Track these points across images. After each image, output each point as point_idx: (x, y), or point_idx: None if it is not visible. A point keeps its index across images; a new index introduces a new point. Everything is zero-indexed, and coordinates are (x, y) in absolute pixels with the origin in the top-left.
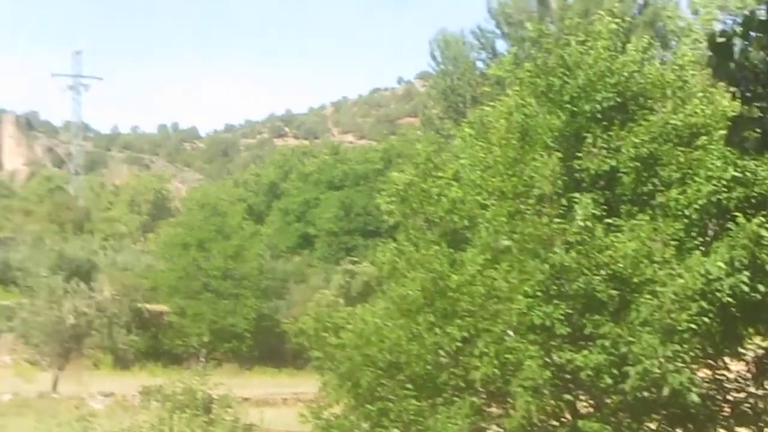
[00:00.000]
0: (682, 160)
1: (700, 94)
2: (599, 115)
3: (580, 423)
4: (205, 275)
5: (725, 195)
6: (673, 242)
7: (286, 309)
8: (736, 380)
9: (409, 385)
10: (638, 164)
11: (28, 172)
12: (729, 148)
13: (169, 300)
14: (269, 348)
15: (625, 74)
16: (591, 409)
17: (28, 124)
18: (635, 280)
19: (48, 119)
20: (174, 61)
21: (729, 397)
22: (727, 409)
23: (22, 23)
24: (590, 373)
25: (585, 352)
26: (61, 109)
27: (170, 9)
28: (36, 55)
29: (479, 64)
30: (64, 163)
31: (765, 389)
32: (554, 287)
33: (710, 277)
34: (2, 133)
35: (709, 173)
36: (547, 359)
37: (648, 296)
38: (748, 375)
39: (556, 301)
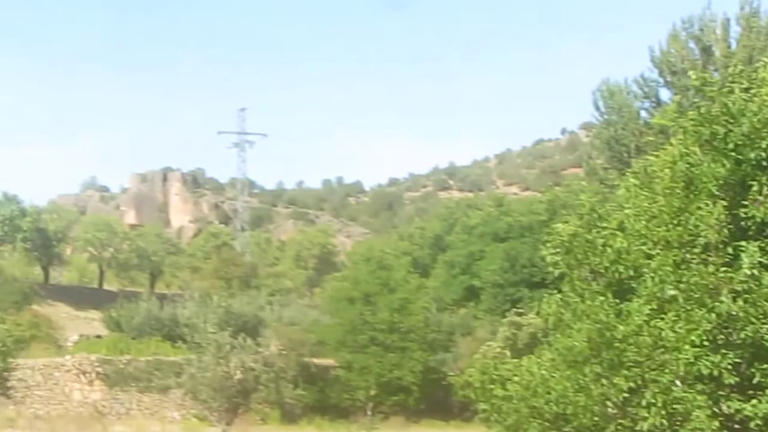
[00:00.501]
0: None
1: None
2: (764, 163)
3: None
4: (371, 329)
5: None
6: None
7: (452, 361)
8: None
9: None
10: None
11: (194, 229)
12: None
13: (336, 354)
14: (436, 401)
15: None
16: None
17: (195, 182)
18: None
19: (214, 176)
20: (338, 117)
21: None
22: None
23: (188, 82)
24: (759, 422)
25: (754, 401)
26: (227, 166)
27: (335, 67)
28: (202, 113)
29: (643, 114)
30: (230, 220)
31: None
32: (722, 336)
33: None
34: (169, 190)
35: None
36: (716, 409)
37: None
38: None
39: (723, 351)
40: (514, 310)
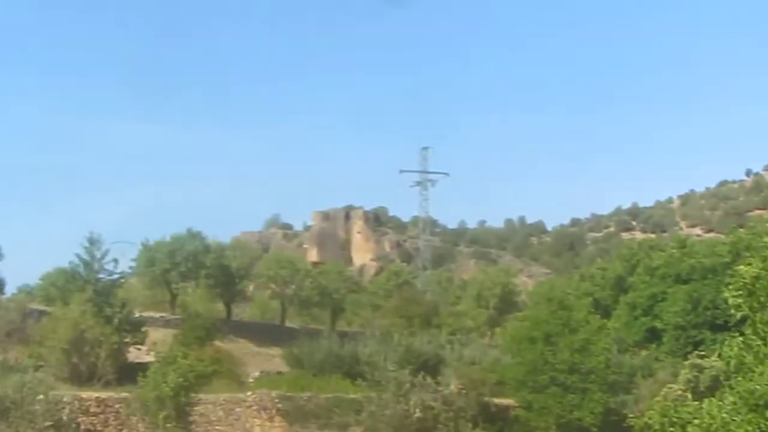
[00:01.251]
0: None
1: None
2: None
3: None
4: (552, 369)
5: None
6: None
7: (633, 403)
8: None
9: None
10: None
11: (376, 267)
12: None
13: (516, 394)
14: None
15: None
16: None
17: (377, 220)
18: None
19: (396, 214)
20: (521, 156)
21: None
22: None
23: (371, 120)
24: None
25: None
26: (409, 205)
27: (518, 106)
28: (385, 151)
29: None
30: (411, 258)
31: None
32: None
33: None
34: (352, 228)
35: None
36: None
37: None
38: None
39: None
40: (696, 352)
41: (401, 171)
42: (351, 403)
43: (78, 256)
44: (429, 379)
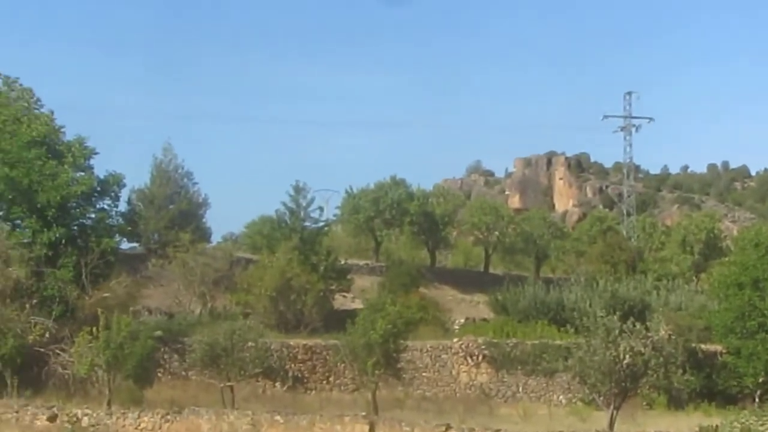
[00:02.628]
0: None
1: None
2: None
3: None
4: (760, 315)
5: None
6: None
7: None
8: None
9: None
10: None
11: (578, 213)
12: None
13: (723, 340)
14: None
15: None
16: None
17: (579, 166)
18: None
19: (598, 160)
20: (725, 100)
21: None
22: None
23: (570, 65)
24: None
25: None
26: (611, 150)
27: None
28: (587, 97)
29: None
30: (614, 204)
31: None
32: None
33: None
34: (554, 174)
35: None
36: None
37: None
38: None
39: None
40: None
41: (605, 116)
42: (557, 349)
43: (284, 204)
44: (638, 326)
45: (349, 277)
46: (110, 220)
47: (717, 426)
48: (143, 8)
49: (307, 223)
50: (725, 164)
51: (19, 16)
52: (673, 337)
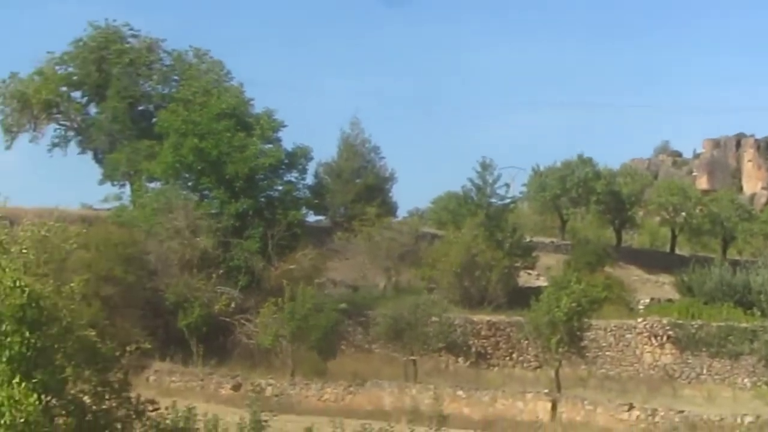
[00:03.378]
0: None
1: None
2: None
3: None
4: None
5: None
6: None
7: None
8: None
9: None
10: None
11: (767, 196)
12: None
13: None
14: None
15: None
16: None
17: None
18: None
19: None
20: None
21: None
22: None
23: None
24: None
25: None
26: None
27: None
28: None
29: None
30: None
31: None
32: None
33: None
34: (743, 156)
35: None
36: None
37: None
38: None
39: None
40: None
41: None
42: (743, 332)
43: (470, 180)
44: None
45: (534, 254)
46: (297, 192)
47: None
48: None
49: (493, 200)
50: None
51: None
52: None
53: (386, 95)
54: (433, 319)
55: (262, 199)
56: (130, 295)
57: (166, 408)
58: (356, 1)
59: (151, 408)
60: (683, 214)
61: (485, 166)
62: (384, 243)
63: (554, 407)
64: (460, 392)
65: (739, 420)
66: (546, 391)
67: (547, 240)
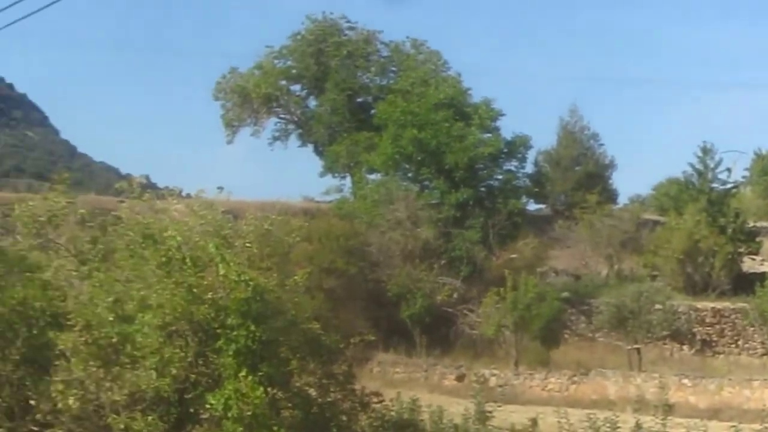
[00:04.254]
0: None
1: None
2: None
3: None
4: None
5: None
6: None
7: None
8: None
9: None
10: None
11: None
12: None
13: None
14: None
15: None
16: None
17: None
18: None
19: None
20: None
21: None
22: None
23: None
24: None
25: None
26: None
27: None
28: None
29: None
30: None
31: None
32: None
33: None
34: None
35: None
36: None
37: None
38: None
39: None
40: None
41: None
42: None
43: (691, 165)
44: None
45: (758, 239)
46: (517, 181)
47: None
48: None
49: (714, 185)
50: None
51: None
52: None
53: (603, 80)
54: (657, 306)
55: (482, 189)
56: (353, 287)
57: (391, 400)
58: None
59: (375, 400)
60: None
61: (706, 151)
62: (605, 230)
63: None
64: (685, 381)
65: None
66: None
67: None
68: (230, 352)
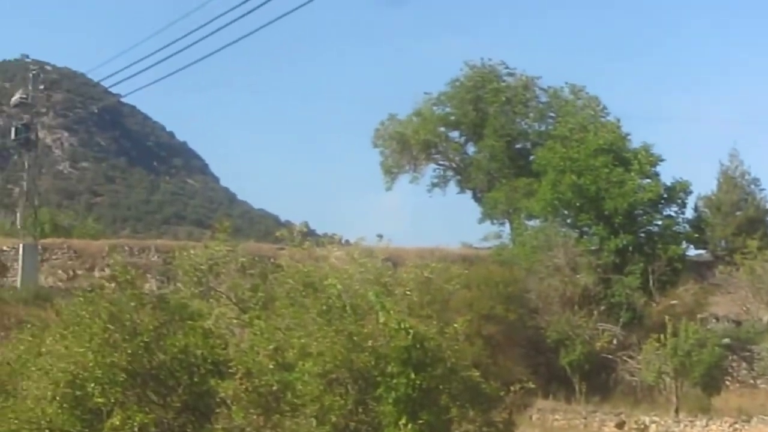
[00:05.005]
0: None
1: None
2: None
3: None
4: None
5: None
6: None
7: None
8: None
9: None
10: None
11: None
12: None
13: None
14: None
15: None
16: None
17: None
18: None
19: None
20: None
21: None
22: None
23: None
24: None
25: None
26: None
27: None
28: None
29: None
30: None
31: None
32: None
33: None
34: None
35: None
36: None
37: None
38: None
39: None
40: None
41: None
42: None
43: None
44: None
45: None
46: (677, 227)
47: None
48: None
49: None
50: None
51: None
52: None
53: (762, 123)
54: None
55: (642, 235)
56: (512, 334)
57: None
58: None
59: None
60: None
61: None
62: (766, 276)
63: None
64: None
65: None
66: None
67: None
68: (390, 400)
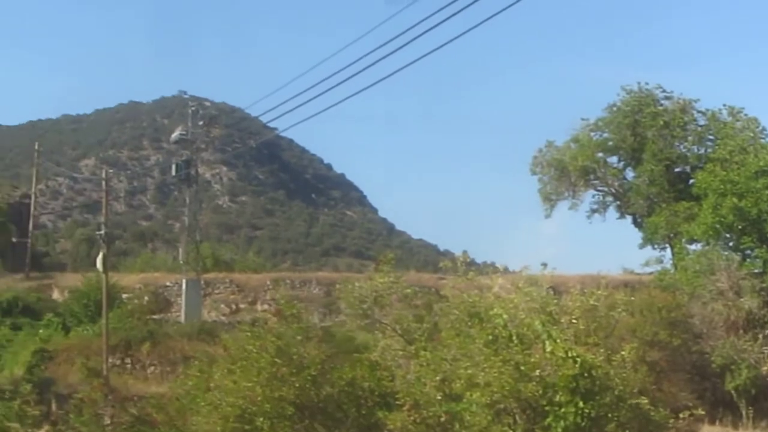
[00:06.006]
0: None
1: None
2: None
3: None
4: None
5: None
6: None
7: None
8: None
9: None
10: None
11: None
12: None
13: None
14: None
15: None
16: None
17: None
18: None
19: None
20: None
21: None
22: None
23: None
24: None
25: None
26: None
27: None
28: None
29: None
30: None
31: None
32: None
33: None
34: None
35: None
36: None
37: None
38: None
39: None
40: None
41: None
42: None
43: None
44: None
45: None
46: None
47: None
48: None
49: None
50: None
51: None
52: None
53: None
54: None
55: None
56: (676, 359)
57: None
58: None
59: None
60: None
61: None
62: None
63: None
64: None
65: None
66: None
67: None
68: (559, 429)
